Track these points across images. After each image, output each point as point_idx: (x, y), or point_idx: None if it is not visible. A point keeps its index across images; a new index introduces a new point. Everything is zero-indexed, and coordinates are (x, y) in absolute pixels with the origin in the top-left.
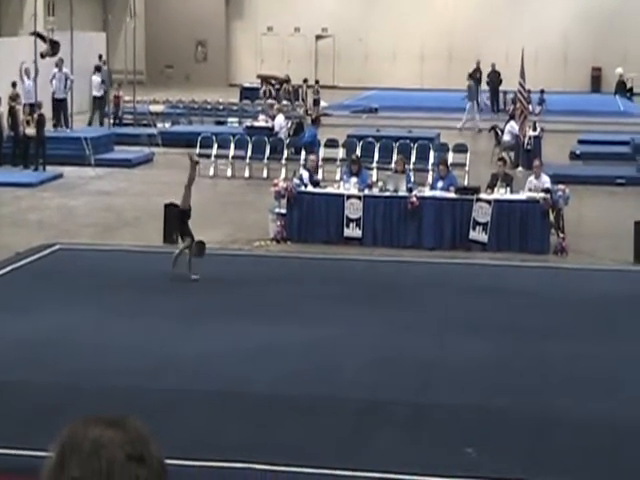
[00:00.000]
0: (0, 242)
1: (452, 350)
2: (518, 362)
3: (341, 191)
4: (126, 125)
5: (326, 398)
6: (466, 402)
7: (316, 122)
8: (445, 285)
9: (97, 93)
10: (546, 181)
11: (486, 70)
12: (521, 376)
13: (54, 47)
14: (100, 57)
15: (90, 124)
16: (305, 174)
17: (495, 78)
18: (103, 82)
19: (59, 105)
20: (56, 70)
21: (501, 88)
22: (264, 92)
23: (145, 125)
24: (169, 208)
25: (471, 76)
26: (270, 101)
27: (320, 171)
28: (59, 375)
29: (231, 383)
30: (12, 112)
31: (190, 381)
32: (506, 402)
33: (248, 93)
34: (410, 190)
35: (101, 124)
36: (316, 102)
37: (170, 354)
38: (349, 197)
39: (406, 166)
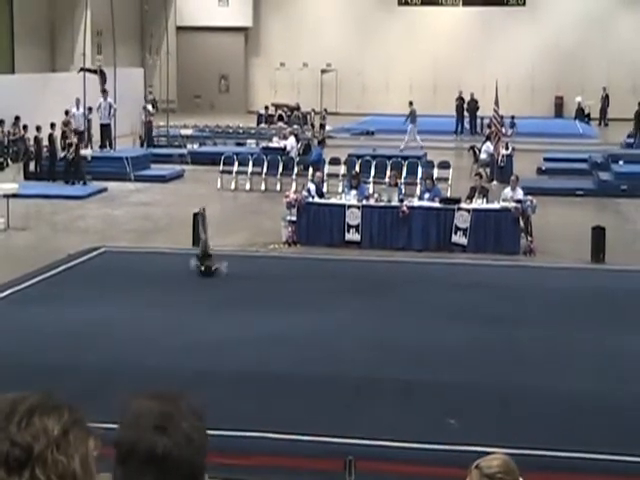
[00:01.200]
0: (54, 245)
1: (436, 335)
2: (492, 345)
3: (343, 202)
4: (161, 146)
5: (329, 375)
6: (449, 379)
7: (322, 143)
8: (431, 281)
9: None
10: (520, 193)
11: (467, 99)
12: (494, 356)
13: (102, 76)
14: (150, 92)
15: (142, 145)
16: (312, 187)
17: (473, 105)
18: (152, 108)
19: (105, 129)
20: (102, 100)
21: (479, 114)
22: (278, 117)
23: (177, 146)
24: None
25: (411, 103)
26: (282, 125)
27: (325, 185)
28: (104, 358)
29: (249, 364)
30: (64, 136)
31: (213, 362)
32: (480, 378)
33: (263, 119)
34: (401, 200)
35: (141, 145)
36: (322, 126)
37: (197, 339)
38: (349, 207)
39: (398, 180)
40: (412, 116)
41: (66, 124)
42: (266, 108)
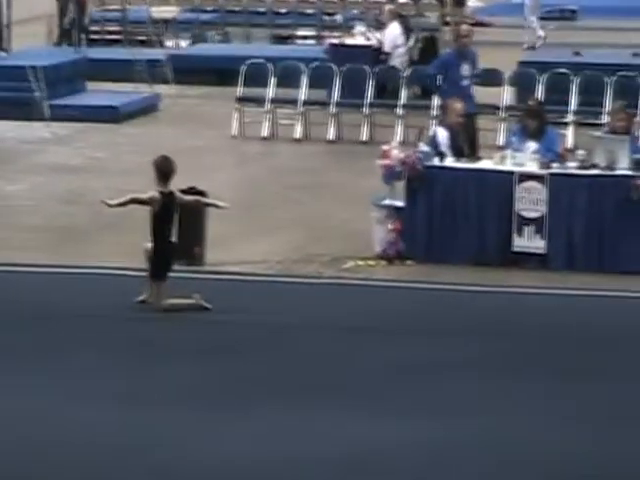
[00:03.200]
0: None
1: None
2: None
3: (507, 167)
4: (108, 44)
5: None
6: None
7: (461, 38)
8: None
9: None
10: None
11: None
12: None
13: None
14: None
15: (62, 42)
16: (442, 134)
17: None
18: None
19: None
20: None
21: None
22: None
23: (143, 44)
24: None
25: None
26: None
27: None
28: None
29: None
30: None
31: None
32: None
33: None
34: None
35: (61, 42)
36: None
37: None
38: (522, 177)
39: (635, 120)
40: None
41: None
42: None
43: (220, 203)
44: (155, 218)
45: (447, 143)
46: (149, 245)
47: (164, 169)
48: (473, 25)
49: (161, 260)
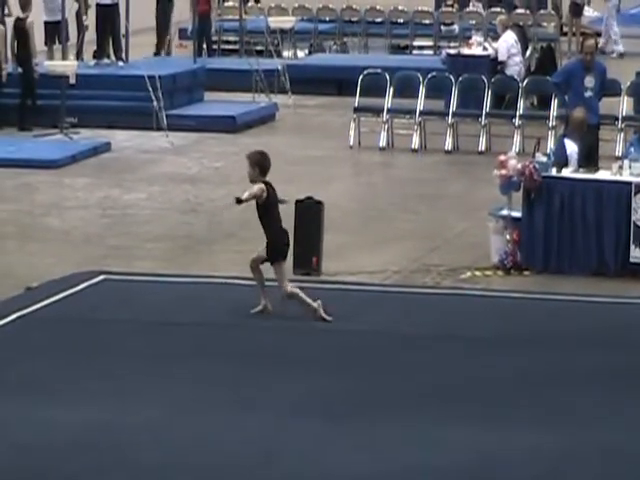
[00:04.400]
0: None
1: None
2: None
3: (624, 177)
4: (226, 54)
5: None
6: None
7: (586, 55)
8: None
9: None
10: None
11: None
12: None
13: None
14: None
15: (159, 53)
16: (571, 147)
17: None
18: None
19: (104, 14)
20: None
21: None
22: None
23: (261, 54)
24: (304, 205)
25: None
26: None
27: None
28: None
29: None
30: (21, 33)
31: None
32: None
33: None
34: None
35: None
36: (577, 8)
37: None
38: (639, 189)
39: None
40: None
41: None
42: None
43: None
44: (266, 207)
45: (576, 156)
46: (259, 251)
47: (265, 164)
48: (590, 35)
49: (279, 242)
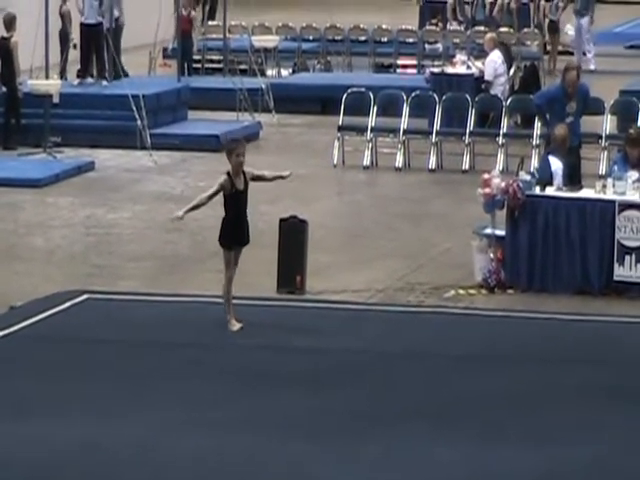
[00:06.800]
0: None
1: None
2: None
3: (608, 196)
4: (210, 73)
5: None
6: None
7: (568, 86)
8: None
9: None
10: None
11: None
12: None
13: None
14: None
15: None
16: (556, 164)
17: None
18: None
19: (88, 34)
20: None
21: None
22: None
23: (244, 73)
24: (288, 224)
25: None
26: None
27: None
28: None
29: None
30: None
31: None
32: None
33: (434, 9)
34: None
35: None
36: (553, 25)
37: None
38: (623, 207)
39: None
40: None
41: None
42: None
43: (284, 173)
44: (225, 198)
45: (561, 173)
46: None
47: (228, 146)
48: (566, 53)
49: (224, 230)
